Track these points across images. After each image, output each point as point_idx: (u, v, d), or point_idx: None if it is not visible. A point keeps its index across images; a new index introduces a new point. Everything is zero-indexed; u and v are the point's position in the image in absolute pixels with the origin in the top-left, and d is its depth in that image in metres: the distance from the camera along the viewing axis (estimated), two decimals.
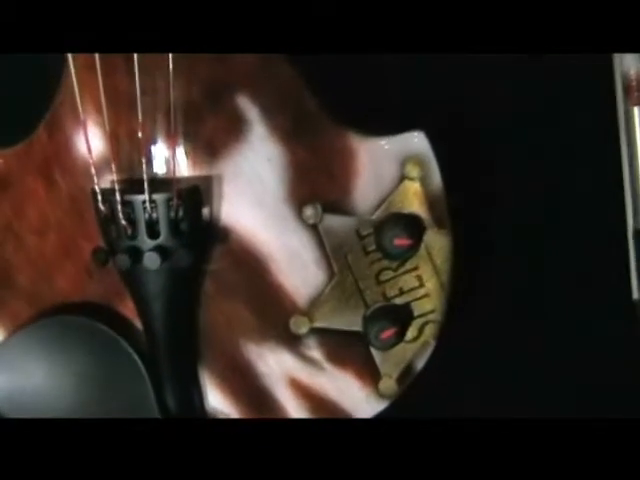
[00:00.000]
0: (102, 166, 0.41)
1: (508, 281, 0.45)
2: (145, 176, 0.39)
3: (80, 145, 0.41)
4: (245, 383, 0.43)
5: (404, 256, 0.41)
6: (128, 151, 0.40)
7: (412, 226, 0.41)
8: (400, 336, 0.42)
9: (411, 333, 0.42)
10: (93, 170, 0.40)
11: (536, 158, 0.44)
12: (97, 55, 0.39)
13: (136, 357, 0.41)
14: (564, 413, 0.43)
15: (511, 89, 0.44)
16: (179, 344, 0.42)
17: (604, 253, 0.45)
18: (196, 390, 0.43)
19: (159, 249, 0.39)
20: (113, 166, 0.40)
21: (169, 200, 0.39)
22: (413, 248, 0.41)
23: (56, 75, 0.42)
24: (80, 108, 0.40)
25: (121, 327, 0.42)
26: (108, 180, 0.41)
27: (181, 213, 0.39)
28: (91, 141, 0.40)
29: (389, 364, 0.43)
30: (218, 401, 0.43)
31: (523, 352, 0.45)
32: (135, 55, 0.39)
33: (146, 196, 0.38)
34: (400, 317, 0.42)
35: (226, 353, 0.43)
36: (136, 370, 0.41)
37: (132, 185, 0.40)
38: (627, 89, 0.40)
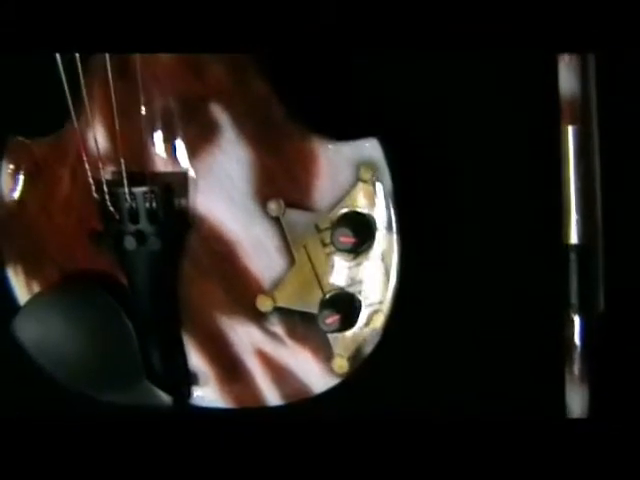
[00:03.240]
0: (105, 161, 0.47)
1: (457, 279, 0.49)
2: (124, 173, 0.45)
3: (91, 141, 0.48)
4: (219, 350, 0.49)
5: (351, 251, 0.46)
6: (122, 149, 0.46)
7: (358, 226, 0.45)
8: (346, 322, 0.46)
9: (361, 320, 0.47)
10: (87, 165, 0.47)
11: (483, 164, 0.47)
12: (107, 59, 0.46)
13: (128, 322, 0.49)
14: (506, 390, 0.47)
15: (465, 96, 0.47)
16: (163, 314, 0.49)
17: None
18: (179, 353, 0.50)
19: (138, 233, 0.46)
20: (100, 164, 0.47)
21: (146, 193, 0.46)
22: (358, 246, 0.45)
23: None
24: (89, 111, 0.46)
25: (121, 295, 0.50)
26: (109, 172, 0.48)
27: (157, 204, 0.46)
28: (98, 139, 0.47)
29: (341, 345, 0.48)
30: (198, 363, 0.50)
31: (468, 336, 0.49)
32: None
33: (126, 189, 0.45)
34: (348, 305, 0.47)
35: (203, 323, 0.49)
36: (128, 334, 0.49)
37: (122, 178, 0.47)
38: (562, 108, 0.42)
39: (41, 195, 0.51)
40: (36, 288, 0.52)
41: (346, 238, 0.45)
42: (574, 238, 0.42)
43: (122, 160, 0.45)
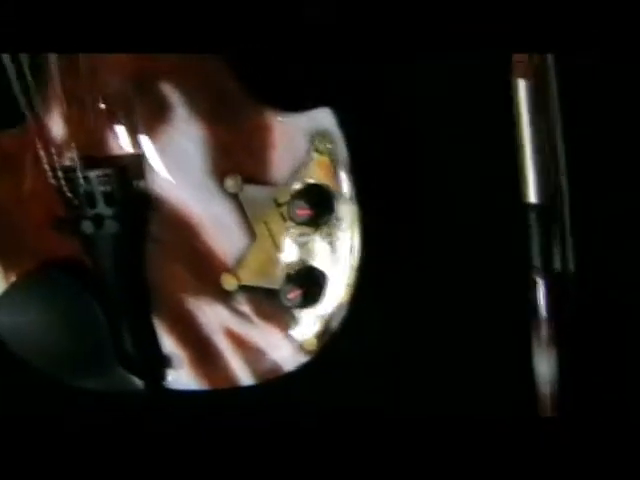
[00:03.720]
0: (62, 148, 0.47)
1: (420, 247, 0.47)
2: (77, 158, 0.45)
3: (50, 131, 0.47)
4: (190, 331, 0.49)
5: (310, 224, 0.45)
6: (77, 135, 0.46)
7: (316, 198, 0.44)
8: (309, 297, 0.46)
9: (326, 295, 0.46)
10: (43, 152, 0.46)
11: (439, 127, 0.46)
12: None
13: (98, 308, 0.48)
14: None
15: (416, 59, 0.45)
16: (131, 298, 0.48)
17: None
18: (151, 337, 0.49)
19: (96, 217, 0.46)
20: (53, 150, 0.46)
21: (100, 176, 0.45)
22: (316, 218, 0.44)
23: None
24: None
25: (92, 281, 0.49)
26: (67, 159, 0.47)
27: (113, 187, 0.45)
28: (54, 127, 0.47)
29: (308, 322, 0.47)
30: (170, 346, 0.49)
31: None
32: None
33: (79, 173, 0.45)
34: (312, 280, 0.46)
35: (171, 306, 0.49)
36: (98, 319, 0.48)
37: (80, 163, 0.46)
38: (513, 61, 0.40)
39: (12, 187, 0.50)
40: (14, 279, 0.52)
41: (302, 211, 0.44)
42: (533, 197, 0.40)
43: (73, 145, 0.45)
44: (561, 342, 0.41)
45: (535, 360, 0.42)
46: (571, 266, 0.42)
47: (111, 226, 0.45)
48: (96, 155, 0.46)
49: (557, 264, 0.42)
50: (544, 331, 0.41)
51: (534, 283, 0.41)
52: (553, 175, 0.41)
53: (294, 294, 0.45)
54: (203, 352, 0.49)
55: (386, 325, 0.49)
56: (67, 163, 0.47)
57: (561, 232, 0.42)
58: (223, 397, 0.48)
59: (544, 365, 0.41)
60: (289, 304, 0.45)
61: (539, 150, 0.40)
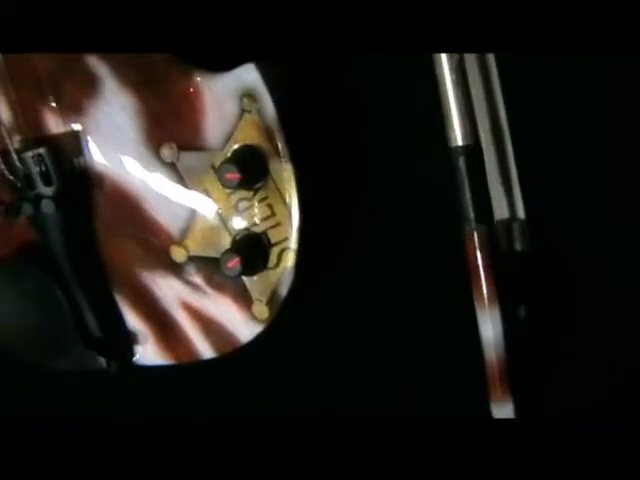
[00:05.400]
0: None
1: (358, 201, 0.44)
2: (8, 140, 0.45)
3: None
4: (149, 306, 0.48)
5: (242, 187, 0.43)
6: (13, 119, 0.46)
7: (245, 160, 0.42)
8: (251, 265, 0.44)
9: (271, 261, 0.44)
10: None
11: (367, 79, 0.42)
12: None
13: (57, 289, 0.48)
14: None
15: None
16: (87, 276, 0.47)
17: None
18: (114, 314, 0.49)
19: (36, 198, 0.45)
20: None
21: (33, 157, 0.44)
22: (247, 181, 0.42)
23: None
24: None
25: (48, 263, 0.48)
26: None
27: (48, 166, 0.45)
28: None
29: (257, 290, 0.45)
30: (134, 323, 0.48)
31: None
32: None
33: (14, 155, 0.45)
34: (252, 246, 0.44)
35: (129, 282, 0.48)
36: (59, 301, 0.48)
37: (20, 147, 0.46)
38: None
39: None
40: None
41: (231, 175, 0.42)
42: (459, 139, 0.37)
43: (2, 128, 0.45)
44: (504, 301, 0.37)
45: (479, 322, 0.38)
46: (520, 214, 0.39)
47: (48, 206, 0.45)
48: (33, 136, 0.45)
49: (504, 212, 0.39)
50: (485, 290, 0.37)
51: (470, 235, 0.38)
52: (490, 113, 0.37)
53: (232, 263, 0.43)
54: (165, 327, 0.48)
55: (331, 286, 0.46)
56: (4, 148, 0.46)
57: (505, 177, 0.38)
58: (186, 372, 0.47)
59: (488, 328, 0.37)
60: (229, 273, 0.44)
61: (460, 88, 0.37)
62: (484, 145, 0.38)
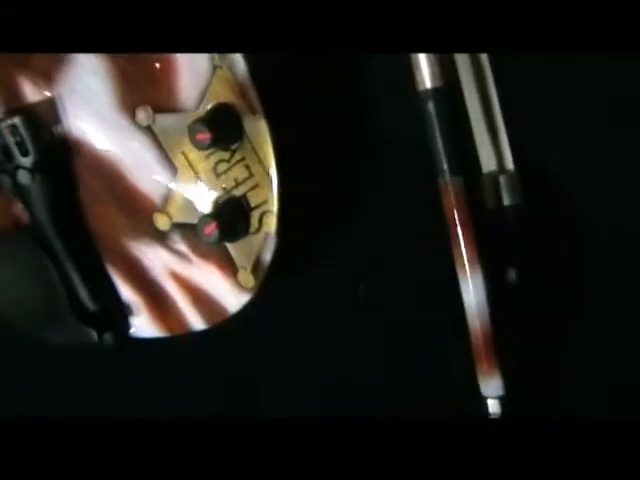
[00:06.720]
0: None
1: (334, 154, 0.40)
2: None
3: None
4: (140, 277, 0.46)
5: (214, 147, 0.40)
6: None
7: (217, 119, 0.40)
8: (229, 230, 0.41)
9: (253, 226, 0.42)
10: None
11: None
12: None
13: (49, 263, 0.46)
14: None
15: None
16: (73, 247, 0.46)
17: None
18: (106, 286, 0.47)
19: (15, 169, 0.44)
20: None
21: (8, 127, 0.43)
22: (220, 141, 0.40)
23: None
24: None
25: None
26: None
27: (23, 136, 0.43)
28: None
29: (241, 256, 0.43)
30: (127, 294, 0.47)
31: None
32: None
33: None
34: (231, 211, 0.41)
35: (117, 252, 0.46)
36: (49, 274, 0.46)
37: None
38: None
39: None
40: None
41: (202, 135, 0.40)
42: (425, 82, 0.33)
43: None
44: (490, 263, 0.34)
45: (461, 290, 0.35)
46: (508, 165, 0.35)
47: (24, 177, 0.43)
48: (7, 107, 0.44)
49: (490, 164, 0.35)
50: (464, 251, 0.34)
51: (445, 190, 0.34)
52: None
53: (209, 228, 0.41)
54: (157, 297, 0.46)
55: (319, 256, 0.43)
56: None
57: (490, 124, 0.35)
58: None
59: (469, 293, 0.34)
60: (206, 240, 0.41)
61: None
62: (465, 88, 0.34)
